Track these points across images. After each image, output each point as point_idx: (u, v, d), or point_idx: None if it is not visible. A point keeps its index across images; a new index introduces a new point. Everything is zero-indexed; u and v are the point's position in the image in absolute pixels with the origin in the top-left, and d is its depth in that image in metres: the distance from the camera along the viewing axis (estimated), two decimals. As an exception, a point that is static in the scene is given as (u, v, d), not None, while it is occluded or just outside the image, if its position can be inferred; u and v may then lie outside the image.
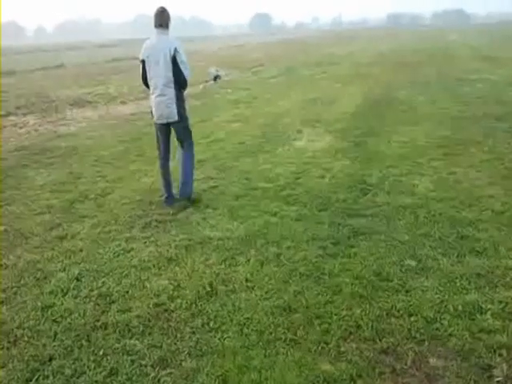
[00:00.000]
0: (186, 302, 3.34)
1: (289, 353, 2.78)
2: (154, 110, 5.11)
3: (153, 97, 5.08)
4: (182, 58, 4.93)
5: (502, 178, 5.55)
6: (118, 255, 4.11)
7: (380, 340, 2.87)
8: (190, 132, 5.34)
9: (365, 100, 11.17)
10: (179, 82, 4.97)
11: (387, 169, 6.15)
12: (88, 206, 5.40)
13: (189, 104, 12.10)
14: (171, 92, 4.97)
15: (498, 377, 2.52)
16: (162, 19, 5.00)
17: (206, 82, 14.88)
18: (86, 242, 4.42)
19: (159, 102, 5.02)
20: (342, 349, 2.81)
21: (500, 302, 3.17)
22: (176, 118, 5.05)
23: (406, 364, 2.67)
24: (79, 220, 5.00)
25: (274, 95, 12.76)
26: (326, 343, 2.86)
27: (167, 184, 5.35)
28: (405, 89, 12.15)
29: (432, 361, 2.68)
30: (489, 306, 3.12)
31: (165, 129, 5.20)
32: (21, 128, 10.31)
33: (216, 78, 14.39)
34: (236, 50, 37.90)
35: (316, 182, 5.85)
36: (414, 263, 3.76)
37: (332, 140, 7.82)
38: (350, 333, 2.95)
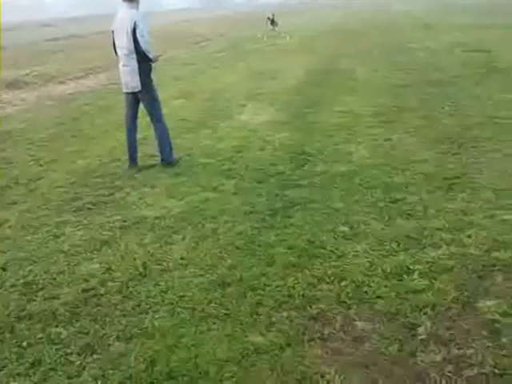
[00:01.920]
0: (117, 285, 3.26)
1: (220, 328, 2.77)
2: (121, 79, 5.40)
3: (119, 66, 5.38)
4: (142, 32, 5.10)
5: (434, 142, 5.68)
6: (48, 241, 3.95)
7: (310, 307, 2.89)
8: (157, 103, 5.53)
9: (308, 72, 11.16)
10: (139, 53, 5.16)
11: (326, 138, 6.18)
12: (19, 192, 5.16)
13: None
14: (134, 63, 5.20)
15: (421, 335, 2.59)
16: None
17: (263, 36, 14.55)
18: (14, 230, 4.23)
19: (123, 72, 5.32)
20: (273, 319, 2.81)
21: (427, 262, 3.25)
22: (139, 87, 5.27)
23: (334, 329, 2.71)
24: (8, 207, 4.77)
25: (220, 70, 12.56)
26: (258, 315, 2.86)
27: (133, 152, 5.62)
28: (348, 59, 12.22)
29: (359, 324, 2.73)
30: (416, 267, 3.20)
31: (131, 98, 5.44)
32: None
33: (273, 21, 14.38)
34: (184, 25, 36.95)
35: (257, 155, 5.82)
36: (346, 229, 3.81)
37: (275, 113, 7.78)
38: (282, 302, 2.96)
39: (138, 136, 6.71)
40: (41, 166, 6.00)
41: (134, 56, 5.17)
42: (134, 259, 3.59)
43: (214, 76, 11.68)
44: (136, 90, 5.33)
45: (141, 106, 5.57)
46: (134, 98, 5.45)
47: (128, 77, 5.29)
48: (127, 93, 5.45)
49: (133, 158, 5.65)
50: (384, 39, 16.02)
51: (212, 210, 4.37)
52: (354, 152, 5.60)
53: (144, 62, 5.24)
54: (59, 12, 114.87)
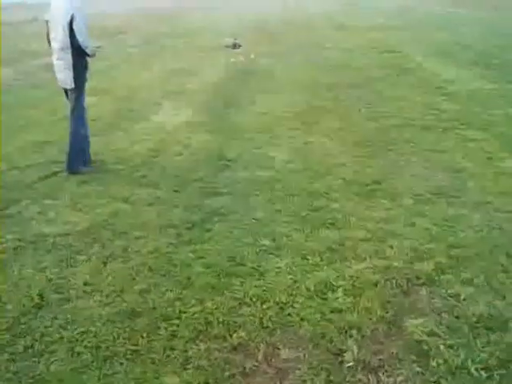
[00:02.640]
0: (7, 322, 2.80)
1: (128, 369, 2.43)
2: (55, 73, 5.06)
3: (52, 59, 5.01)
4: (79, 24, 4.73)
5: (352, 145, 5.66)
6: None
7: (231, 336, 2.64)
8: (80, 103, 5.12)
9: (227, 70, 10.90)
10: (75, 47, 4.79)
11: (246, 141, 5.96)
12: None
13: (47, 77, 10.86)
14: (68, 58, 4.82)
15: (348, 362, 2.43)
16: None
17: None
18: None
19: (56, 66, 4.97)
20: (190, 353, 2.53)
21: (351, 276, 3.13)
22: (71, 85, 4.95)
23: (257, 360, 2.48)
24: None
25: (135, 66, 11.92)
26: (172, 349, 2.56)
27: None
28: (266, 58, 12.08)
29: (284, 352, 2.53)
30: (340, 283, 3.06)
31: (65, 94, 5.18)
32: None
33: (235, 45, 13.63)
34: (97, 17, 35.17)
35: (174, 160, 5.47)
36: (268, 242, 3.61)
37: (193, 113, 7.43)
38: (200, 332, 2.68)
39: (39, 137, 6.14)
40: None
41: (69, 50, 4.79)
42: (30, 287, 3.14)
43: (129, 72, 11.05)
44: (67, 87, 5.01)
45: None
46: (66, 95, 5.18)
47: (59, 72, 4.95)
48: (63, 88, 5.13)
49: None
50: (301, 39, 16.10)
51: (122, 225, 3.98)
52: (275, 156, 5.43)
53: (80, 56, 4.87)
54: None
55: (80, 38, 4.76)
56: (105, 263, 3.43)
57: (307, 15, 30.06)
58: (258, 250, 3.50)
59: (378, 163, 5.03)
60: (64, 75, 4.92)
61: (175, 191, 4.62)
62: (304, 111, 7.18)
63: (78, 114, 5.14)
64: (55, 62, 4.96)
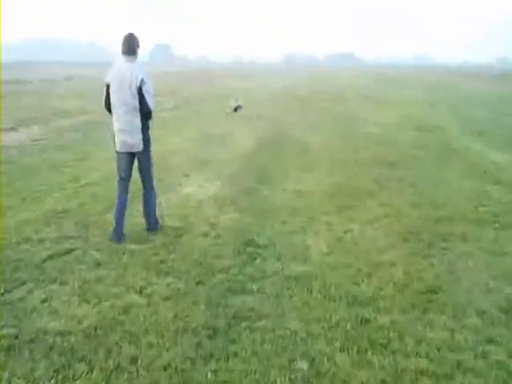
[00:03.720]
0: None
1: None
2: (116, 136, 4.87)
3: (116, 124, 4.85)
4: (148, 88, 4.78)
5: (399, 237, 5.05)
6: None
7: None
8: (152, 165, 5.17)
9: (260, 140, 10.62)
10: (143, 112, 4.80)
11: (279, 225, 5.43)
12: None
13: (75, 138, 10.76)
14: (136, 121, 4.80)
15: None
16: (130, 45, 4.80)
17: (226, 114, 14.31)
18: None
19: (123, 130, 4.82)
20: None
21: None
22: (140, 148, 4.90)
23: None
24: None
25: (166, 131, 11.77)
26: None
27: (119, 222, 4.98)
28: (299, 128, 11.84)
29: None
30: None
31: (126, 158, 4.97)
32: None
33: (237, 108, 13.76)
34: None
35: (198, 242, 4.94)
36: (306, 366, 2.97)
37: (222, 186, 7.01)
38: None
39: (57, 206, 5.77)
40: None
41: (138, 113, 4.78)
42: (12, 412, 2.55)
43: (159, 138, 10.84)
44: (135, 150, 4.91)
45: None
46: (131, 159, 5.00)
47: (128, 135, 4.83)
48: (123, 152, 4.94)
49: (120, 227, 5.00)
50: (334, 110, 16.02)
51: (134, 325, 3.41)
52: (311, 246, 4.86)
53: (145, 119, 4.88)
54: (7, 54, 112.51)
55: (150, 102, 4.81)
56: (108, 378, 2.84)
57: (337, 86, 30.45)
58: (292, 377, 2.86)
59: (431, 264, 4.39)
60: (133, 138, 4.85)
61: (197, 283, 4.06)
62: (342, 192, 6.66)
63: (151, 173, 5.17)
64: (119, 126, 4.83)
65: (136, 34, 4.91)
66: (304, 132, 11.45)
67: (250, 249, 4.77)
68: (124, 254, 4.67)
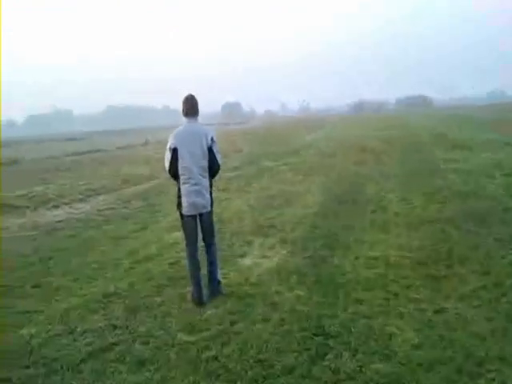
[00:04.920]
0: None
1: None
2: (185, 199, 4.84)
3: (186, 186, 4.82)
4: (218, 148, 4.91)
5: (507, 319, 4.00)
6: None
7: None
8: (215, 225, 5.19)
9: (328, 197, 9.84)
10: (213, 171, 4.91)
11: (354, 304, 4.56)
12: None
13: (139, 206, 10.62)
14: (206, 181, 4.87)
15: None
16: (194, 106, 4.89)
17: None
18: None
19: (194, 192, 4.82)
20: None
21: None
22: (209, 208, 4.93)
23: None
24: None
25: (228, 193, 11.38)
26: None
27: (198, 281, 4.92)
28: (371, 183, 10.94)
29: None
30: None
31: (192, 221, 4.93)
32: None
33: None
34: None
35: (257, 331, 4.20)
36: None
37: (286, 255, 6.26)
38: None
39: (108, 287, 5.30)
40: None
41: (207, 174, 4.85)
42: None
43: (222, 201, 10.43)
44: (204, 211, 4.91)
45: None
46: (195, 222, 4.95)
47: (199, 197, 4.83)
48: (192, 216, 4.90)
49: (201, 293, 4.89)
50: (409, 159, 14.93)
51: None
52: (395, 334, 3.94)
53: (213, 178, 4.98)
54: (85, 124, 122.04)
55: (220, 161, 4.91)
56: None
57: (410, 132, 29.16)
58: None
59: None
60: (204, 199, 4.86)
61: (255, 391, 3.29)
62: (428, 258, 5.67)
63: (215, 232, 5.14)
64: (191, 188, 4.80)
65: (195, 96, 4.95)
66: (377, 186, 10.53)
67: (319, 339, 3.95)
68: (173, 347, 4.03)
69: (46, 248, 7.59)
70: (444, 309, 4.33)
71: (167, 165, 4.86)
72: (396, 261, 5.70)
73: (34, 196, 12.50)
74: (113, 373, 3.66)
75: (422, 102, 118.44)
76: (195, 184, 4.79)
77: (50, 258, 6.98)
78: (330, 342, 3.89)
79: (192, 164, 4.77)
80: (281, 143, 26.96)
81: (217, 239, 5.19)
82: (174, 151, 4.77)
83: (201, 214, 4.93)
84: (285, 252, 6.42)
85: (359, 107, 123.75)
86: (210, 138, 4.80)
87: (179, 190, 4.87)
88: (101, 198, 12.06)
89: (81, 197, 12.16)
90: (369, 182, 11.13)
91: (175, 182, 4.98)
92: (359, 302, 4.61)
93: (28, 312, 4.97)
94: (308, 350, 3.81)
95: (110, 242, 7.61)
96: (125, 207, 10.79)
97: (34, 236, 8.52)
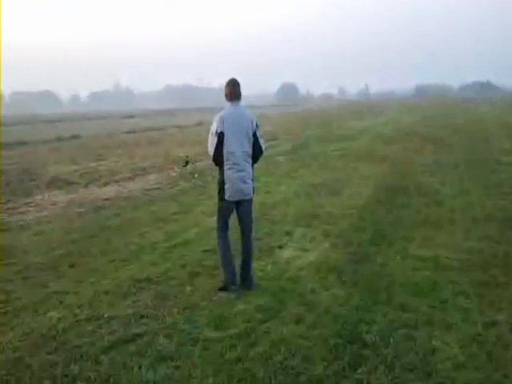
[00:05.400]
0: None
1: None
2: (228, 185, 4.69)
3: (230, 172, 4.67)
4: (261, 133, 4.82)
5: None
6: None
7: None
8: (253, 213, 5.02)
9: (379, 188, 9.33)
10: (256, 156, 4.82)
11: (396, 311, 4.18)
12: None
13: (187, 187, 10.55)
14: (249, 167, 4.76)
15: None
16: (237, 91, 4.74)
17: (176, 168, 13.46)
18: None
19: (238, 178, 4.68)
20: None
21: None
22: (251, 194, 4.83)
23: None
24: None
25: (275, 178, 11.07)
26: None
27: (230, 261, 4.83)
28: (428, 173, 10.28)
29: None
30: None
31: (231, 206, 4.82)
32: (-28, 215, 8.84)
33: (187, 163, 13.35)
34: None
35: (287, 332, 3.92)
36: None
37: (328, 249, 5.92)
38: None
39: (142, 272, 5.20)
40: (2, 313, 4.48)
41: (250, 160, 4.75)
42: None
43: (267, 185, 10.14)
44: (247, 197, 4.79)
45: None
46: (233, 208, 4.84)
47: (243, 183, 4.70)
48: (231, 202, 4.76)
49: (235, 274, 4.81)
50: (472, 149, 13.99)
51: None
52: (439, 349, 3.55)
53: (255, 163, 4.86)
54: (145, 103, 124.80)
55: (263, 146, 4.80)
56: None
57: (475, 120, 27.47)
58: None
59: None
60: (247, 187, 4.74)
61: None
62: (483, 261, 5.16)
63: (252, 231, 4.98)
64: (235, 174, 4.66)
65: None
66: (435, 178, 9.88)
67: (353, 348, 3.63)
68: (197, 343, 3.83)
69: (89, 226, 7.66)
70: (496, 322, 3.87)
71: (212, 149, 4.69)
72: (447, 263, 5.24)
73: (85, 173, 12.79)
74: (132, 367, 3.51)
75: (486, 88, 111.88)
76: (240, 170, 4.66)
77: (92, 237, 7.01)
78: (366, 353, 3.56)
79: (238, 149, 4.64)
80: (335, 127, 26.23)
81: (252, 237, 4.99)
82: (220, 135, 4.60)
83: (241, 201, 4.78)
84: (327, 245, 6.07)
85: (421, 92, 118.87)
86: (255, 123, 4.70)
87: (222, 175, 4.71)
88: (150, 177, 12.12)
89: (130, 175, 12.28)
90: (425, 172, 10.48)
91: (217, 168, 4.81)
92: (402, 308, 4.22)
93: (60, 293, 4.95)
94: (340, 359, 3.50)
95: (151, 224, 7.55)
96: (171, 188, 10.77)
97: (80, 213, 8.64)
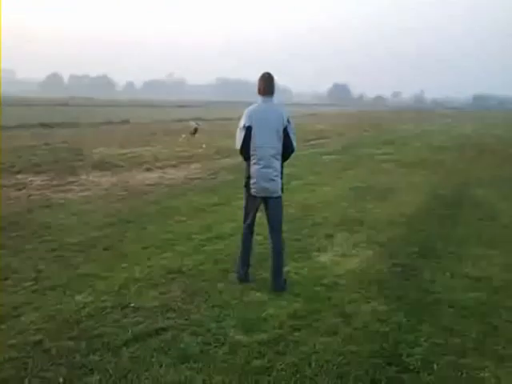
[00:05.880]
0: None
1: None
2: (254, 181, 4.55)
3: (256, 167, 4.53)
4: (293, 129, 4.62)
5: None
6: None
7: None
8: (283, 212, 4.78)
9: (430, 197, 8.81)
10: (286, 154, 4.61)
11: (442, 334, 3.79)
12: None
13: (227, 179, 10.40)
14: (278, 164, 4.55)
15: None
16: (271, 86, 4.60)
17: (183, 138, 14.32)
18: None
19: (264, 174, 4.52)
20: None
21: None
22: (279, 192, 4.60)
23: None
24: None
25: (320, 177, 10.72)
26: None
27: (247, 260, 4.77)
28: (484, 187, 9.63)
29: None
30: None
31: (258, 203, 4.68)
32: (19, 190, 9.02)
33: (196, 130, 13.79)
34: (306, 119, 36.72)
35: (320, 346, 3.60)
36: None
37: (371, 258, 5.56)
38: None
39: (175, 262, 5.02)
40: (32, 291, 4.41)
41: (279, 156, 4.55)
42: None
43: (311, 185, 9.80)
44: (274, 195, 4.57)
45: None
46: (260, 204, 4.67)
47: (269, 180, 4.52)
48: (259, 197, 4.61)
49: (247, 272, 4.77)
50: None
51: None
52: (488, 381, 3.16)
53: (285, 161, 4.65)
54: (196, 94, 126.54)
55: (294, 143, 4.59)
56: None
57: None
58: None
59: None
60: (273, 184, 4.54)
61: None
62: (543, 289, 4.66)
63: (282, 221, 4.73)
64: (261, 170, 4.50)
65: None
66: (490, 192, 9.24)
67: (391, 370, 3.28)
68: (223, 345, 3.59)
69: (128, 211, 7.60)
70: (559, 362, 3.42)
71: (239, 144, 4.58)
72: (501, 285, 4.77)
73: (130, 157, 12.87)
74: (152, 364, 3.31)
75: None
76: (266, 166, 4.50)
77: (129, 222, 6.93)
78: (405, 377, 3.21)
79: (265, 144, 4.50)
80: (387, 131, 25.44)
81: (281, 235, 4.73)
82: (248, 130, 4.50)
83: (268, 198, 4.60)
84: (370, 253, 5.71)
85: (479, 101, 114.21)
86: (286, 119, 4.51)
87: (249, 170, 4.59)
88: (192, 166, 12.04)
89: (173, 162, 12.26)
90: (481, 185, 9.83)
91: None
92: (449, 331, 3.82)
93: (90, 276, 4.85)
94: (376, 382, 3.17)
95: (188, 213, 7.41)
96: (213, 178, 10.64)
97: (121, 197, 8.62)
